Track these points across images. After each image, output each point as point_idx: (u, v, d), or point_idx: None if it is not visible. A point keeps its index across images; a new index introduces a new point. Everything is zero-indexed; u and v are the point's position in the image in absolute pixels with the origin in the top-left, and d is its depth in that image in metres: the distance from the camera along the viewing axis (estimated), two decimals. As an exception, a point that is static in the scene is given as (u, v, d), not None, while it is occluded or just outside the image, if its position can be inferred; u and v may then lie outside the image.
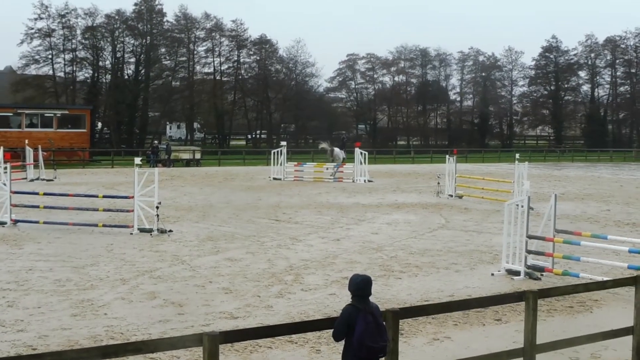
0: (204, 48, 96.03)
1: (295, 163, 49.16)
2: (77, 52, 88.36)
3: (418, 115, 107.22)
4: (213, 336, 7.48)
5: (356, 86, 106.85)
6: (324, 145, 49.40)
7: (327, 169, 46.18)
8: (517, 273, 17.31)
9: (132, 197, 23.60)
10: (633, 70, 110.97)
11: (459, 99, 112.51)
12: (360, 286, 8.08)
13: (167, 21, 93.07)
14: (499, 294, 14.11)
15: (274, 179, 45.21)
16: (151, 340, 8.85)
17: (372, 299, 8.24)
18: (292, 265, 18.49)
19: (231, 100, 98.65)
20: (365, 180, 44.15)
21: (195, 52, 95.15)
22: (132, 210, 23.46)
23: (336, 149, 47.71)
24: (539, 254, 17.45)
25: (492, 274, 17.67)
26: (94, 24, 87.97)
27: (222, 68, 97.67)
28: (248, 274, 17.25)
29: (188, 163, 62.28)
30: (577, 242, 17.20)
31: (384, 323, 8.21)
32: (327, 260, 19.14)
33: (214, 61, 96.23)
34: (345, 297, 12.04)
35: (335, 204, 32.19)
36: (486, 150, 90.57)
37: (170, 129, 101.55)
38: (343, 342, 8.13)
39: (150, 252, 20.04)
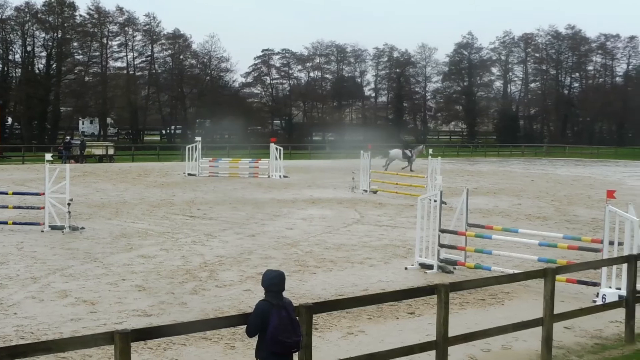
0: (117, 42, 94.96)
1: (211, 159, 48.98)
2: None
3: (333, 110, 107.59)
4: (124, 334, 7.40)
5: (271, 82, 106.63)
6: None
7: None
8: (430, 267, 17.53)
9: (43, 193, 23.15)
10: (544, 67, 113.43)
11: (374, 94, 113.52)
12: (274, 281, 8.09)
13: (80, 15, 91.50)
14: (412, 287, 14.24)
15: (189, 174, 44.92)
16: (62, 339, 8.68)
17: (287, 294, 8.26)
18: (206, 261, 18.38)
19: (145, 95, 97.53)
20: (280, 176, 44.21)
21: (108, 46, 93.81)
22: (43, 207, 23.02)
23: (392, 151, 50.85)
24: (452, 247, 17.72)
25: (406, 268, 17.87)
26: (3, 17, 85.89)
27: (136, 63, 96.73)
28: (162, 271, 17.09)
29: (101, 159, 61.26)
30: (489, 236, 17.47)
31: (298, 318, 8.23)
32: (242, 256, 19.09)
33: (127, 56, 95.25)
34: (259, 293, 11.99)
35: (250, 200, 32.14)
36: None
37: (83, 124, 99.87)
38: (257, 337, 8.12)
39: (62, 249, 19.69)
